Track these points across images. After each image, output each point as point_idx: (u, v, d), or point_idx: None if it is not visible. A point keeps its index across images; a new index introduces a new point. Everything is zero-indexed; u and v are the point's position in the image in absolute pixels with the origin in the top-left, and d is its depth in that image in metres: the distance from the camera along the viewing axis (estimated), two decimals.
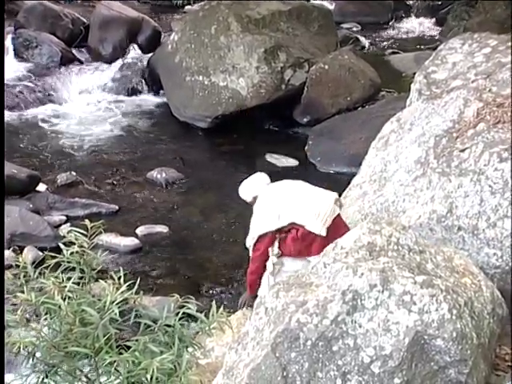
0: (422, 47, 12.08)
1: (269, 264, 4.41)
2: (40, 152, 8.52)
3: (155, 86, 10.22)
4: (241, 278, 5.74)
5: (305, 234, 4.26)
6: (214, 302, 2.89)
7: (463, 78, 5.26)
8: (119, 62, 10.55)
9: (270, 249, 4.37)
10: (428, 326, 3.15)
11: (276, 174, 8.09)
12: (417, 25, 13.90)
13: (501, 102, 4.71)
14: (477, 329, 3.26)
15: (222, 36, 9.21)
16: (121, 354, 2.66)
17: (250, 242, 4.44)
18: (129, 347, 2.69)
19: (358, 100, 9.10)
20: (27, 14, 11.17)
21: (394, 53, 12.11)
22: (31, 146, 8.69)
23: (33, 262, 2.91)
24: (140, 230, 6.89)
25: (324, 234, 4.19)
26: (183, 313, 2.75)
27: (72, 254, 2.80)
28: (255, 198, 4.48)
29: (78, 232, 2.81)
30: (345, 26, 13.30)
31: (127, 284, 2.71)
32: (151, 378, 2.53)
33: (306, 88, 9.04)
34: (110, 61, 10.65)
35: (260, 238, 4.36)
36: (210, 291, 6.01)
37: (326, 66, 9.13)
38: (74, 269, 2.81)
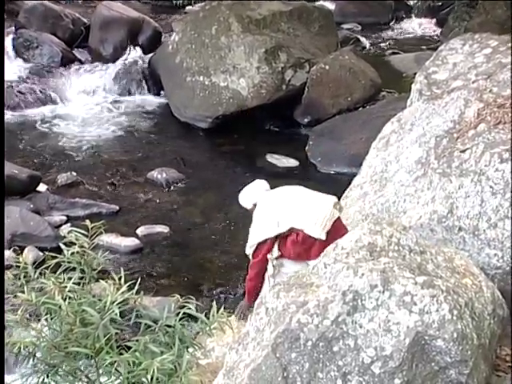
0: (423, 48, 12.08)
1: (269, 266, 4.42)
2: (40, 152, 8.52)
3: (156, 87, 10.23)
4: (241, 278, 5.74)
5: (304, 238, 4.26)
6: (214, 302, 2.89)
7: (464, 78, 5.26)
8: (120, 63, 10.55)
9: (269, 255, 4.38)
10: (428, 327, 3.15)
11: (276, 175, 8.17)
12: (417, 25, 13.89)
13: (501, 103, 4.70)
14: (477, 329, 3.26)
15: (222, 36, 9.22)
16: (121, 354, 2.66)
17: (249, 250, 4.45)
18: (129, 347, 2.69)
19: (359, 100, 9.10)
20: (28, 14, 11.18)
21: (394, 53, 12.11)
22: (32, 146, 8.69)
23: (33, 263, 2.91)
24: (140, 231, 6.89)
25: (323, 237, 4.19)
26: (184, 313, 2.75)
27: (72, 254, 2.80)
28: (255, 205, 4.48)
29: (79, 232, 2.82)
30: (345, 26, 13.30)
31: (128, 284, 2.71)
32: (152, 379, 2.53)
33: (306, 88, 9.05)
34: (110, 61, 10.65)
35: (259, 245, 4.38)
36: (211, 291, 6.01)
37: (327, 67, 9.13)
38: (74, 269, 2.82)
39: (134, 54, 10.79)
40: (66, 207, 7.17)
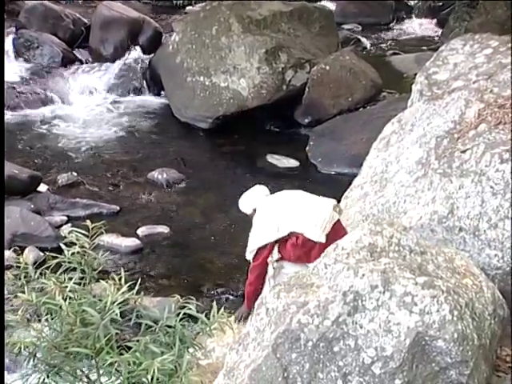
0: (423, 48, 12.08)
1: (269, 268, 4.44)
2: (41, 152, 8.52)
3: (156, 87, 10.23)
4: (241, 278, 5.74)
5: (304, 241, 4.27)
6: (214, 302, 2.89)
7: (464, 78, 5.25)
8: (120, 63, 10.55)
9: (269, 258, 4.39)
10: (429, 327, 3.15)
11: (277, 175, 8.17)
12: (418, 26, 13.90)
13: (502, 103, 4.70)
14: (478, 330, 3.26)
15: (223, 37, 9.22)
16: (121, 354, 2.66)
17: (249, 255, 4.46)
18: (129, 348, 2.69)
19: (359, 101, 9.10)
20: (28, 14, 11.18)
21: (395, 54, 12.11)
22: (32, 146, 8.69)
23: (34, 263, 2.91)
24: (141, 231, 6.89)
25: (323, 240, 4.20)
26: (184, 313, 2.75)
27: (73, 254, 2.80)
28: (255, 210, 4.49)
29: (79, 232, 2.82)
30: (346, 26, 13.30)
31: (128, 284, 2.71)
32: (152, 379, 2.53)
33: (307, 89, 9.05)
34: (111, 61, 10.65)
35: (259, 249, 4.39)
36: (211, 292, 6.01)
37: (327, 67, 9.13)
38: (75, 269, 2.82)
39: (135, 54, 10.79)
40: (67, 207, 7.17)
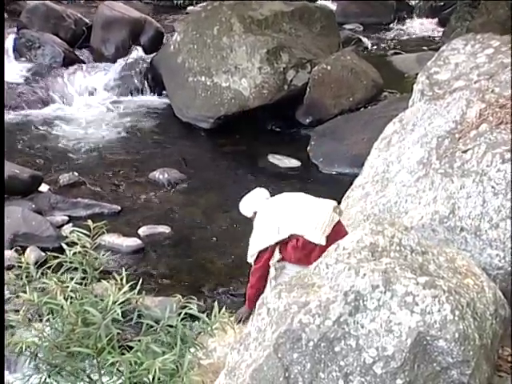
0: (425, 48, 12.08)
1: (271, 269, 4.45)
2: (42, 152, 8.53)
3: (158, 87, 10.23)
4: (243, 278, 5.74)
5: (304, 243, 4.28)
6: (216, 302, 2.89)
7: (466, 78, 5.25)
8: (122, 63, 10.55)
9: (271, 261, 4.41)
10: (430, 327, 3.15)
11: (278, 175, 8.17)
12: (419, 25, 13.89)
13: (503, 103, 4.70)
14: (479, 330, 3.26)
15: (224, 37, 9.22)
16: (123, 354, 2.66)
17: (250, 259, 4.47)
18: (131, 347, 2.70)
19: (361, 101, 9.10)
20: (30, 14, 11.18)
21: (396, 53, 12.11)
22: (33, 146, 8.70)
23: (35, 263, 2.91)
24: (142, 231, 6.89)
25: (323, 243, 4.20)
26: (185, 313, 2.75)
27: (74, 254, 2.80)
28: (256, 214, 4.49)
29: (81, 232, 2.82)
30: (347, 26, 13.30)
31: (129, 284, 2.71)
32: (153, 379, 2.53)
33: (308, 89, 9.05)
34: (112, 61, 10.66)
35: (260, 252, 4.40)
36: (212, 292, 6.01)
37: (329, 67, 9.13)
38: (76, 269, 2.82)
39: (136, 54, 10.79)
40: (68, 207, 7.17)
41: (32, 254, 6.10)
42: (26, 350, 2.69)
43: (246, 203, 4.60)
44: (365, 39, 12.66)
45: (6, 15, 11.46)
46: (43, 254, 6.07)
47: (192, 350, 2.76)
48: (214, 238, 6.87)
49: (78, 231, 2.83)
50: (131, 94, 10.24)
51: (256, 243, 4.42)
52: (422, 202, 4.58)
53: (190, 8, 13.64)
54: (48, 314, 2.76)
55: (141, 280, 2.81)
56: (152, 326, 2.75)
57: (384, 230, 3.53)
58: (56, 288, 2.70)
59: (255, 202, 4.55)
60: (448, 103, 4.98)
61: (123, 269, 2.91)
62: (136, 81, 10.34)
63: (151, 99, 10.20)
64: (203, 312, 2.81)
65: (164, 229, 6.96)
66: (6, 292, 3.09)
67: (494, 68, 5.20)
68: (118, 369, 2.68)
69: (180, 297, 2.84)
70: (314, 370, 3.18)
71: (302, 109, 9.12)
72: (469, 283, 3.43)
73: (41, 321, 2.80)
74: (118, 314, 2.62)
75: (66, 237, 2.88)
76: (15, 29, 11.06)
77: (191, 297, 2.80)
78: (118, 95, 10.19)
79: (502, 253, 4.21)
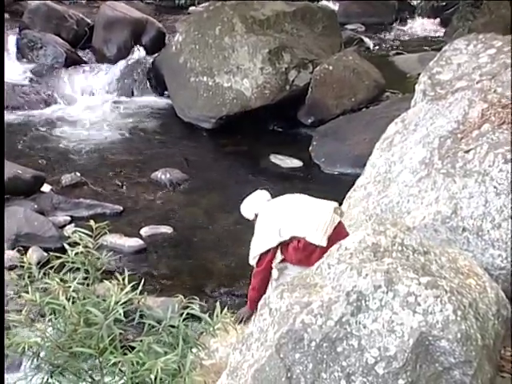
0: (427, 48, 12.06)
1: (273, 271, 4.45)
2: (44, 152, 8.53)
3: (159, 87, 10.24)
4: (244, 278, 5.74)
5: (306, 245, 4.29)
6: (218, 302, 2.89)
7: (468, 78, 5.25)
8: (123, 63, 10.55)
9: (273, 264, 4.41)
10: (432, 327, 3.15)
11: (280, 175, 8.17)
12: (421, 26, 13.88)
13: (506, 103, 4.70)
14: (481, 330, 3.26)
15: (226, 37, 9.22)
16: (125, 354, 2.66)
17: (252, 261, 4.47)
18: (133, 348, 2.70)
19: (363, 101, 9.10)
20: (32, 14, 11.19)
21: (398, 53, 12.10)
22: (35, 146, 8.71)
23: (37, 263, 2.91)
24: (144, 231, 6.90)
25: (324, 244, 4.21)
26: (187, 313, 2.75)
27: (77, 254, 2.80)
28: (257, 216, 4.50)
29: (83, 232, 2.82)
30: (349, 26, 13.29)
31: (131, 284, 2.72)
32: (155, 379, 2.53)
33: (310, 89, 9.05)
34: (114, 62, 10.66)
35: (262, 255, 4.40)
36: (215, 292, 6.01)
37: (331, 67, 9.12)
38: (78, 269, 2.82)
39: (138, 54, 10.79)
40: (70, 207, 7.18)
41: (34, 254, 6.10)
42: (28, 350, 2.69)
43: (247, 205, 4.60)
44: (367, 39, 12.65)
45: (8, 16, 11.48)
46: (45, 254, 6.08)
47: (194, 350, 2.76)
48: (216, 239, 6.86)
49: (80, 231, 2.83)
50: (133, 95, 10.25)
51: (257, 245, 4.43)
52: (424, 202, 4.58)
53: (191, 8, 13.65)
54: (50, 314, 2.76)
55: (143, 280, 2.82)
56: (154, 327, 2.75)
57: (386, 230, 3.53)
58: (58, 288, 2.70)
59: (256, 204, 4.55)
60: (450, 103, 4.98)
61: (125, 269, 2.91)
62: (138, 81, 10.34)
63: (153, 99, 10.20)
64: (205, 312, 2.81)
65: (166, 229, 6.96)
66: (9, 292, 3.09)
67: (497, 68, 5.20)
68: (120, 369, 2.68)
69: (182, 297, 2.84)
70: (316, 370, 3.18)
71: (303, 109, 9.12)
72: (471, 283, 3.43)
73: (43, 321, 2.80)
74: (120, 315, 2.62)
75: (69, 237, 2.88)
76: (17, 29, 11.07)
77: (193, 297, 2.81)
78: (120, 95, 10.20)
79: (505, 253, 4.20)
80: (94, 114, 9.70)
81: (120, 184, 7.86)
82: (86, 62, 10.76)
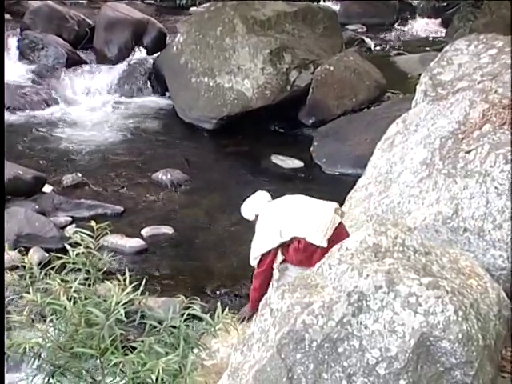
0: (428, 48, 12.07)
1: (274, 272, 4.46)
2: (45, 153, 8.54)
3: (160, 88, 10.24)
4: (246, 279, 5.74)
5: (306, 246, 4.29)
6: (219, 303, 2.89)
7: (469, 79, 5.25)
8: (124, 64, 10.56)
9: (274, 265, 4.42)
10: (434, 328, 3.15)
11: (281, 176, 8.17)
12: (422, 26, 13.87)
13: (507, 104, 4.70)
14: (483, 330, 3.25)
15: (227, 37, 9.22)
16: (126, 354, 2.66)
17: (253, 262, 4.48)
18: (134, 348, 2.70)
19: (364, 101, 9.10)
20: (33, 15, 11.20)
21: (399, 54, 12.10)
22: (37, 147, 8.71)
23: (39, 263, 2.92)
24: (145, 231, 6.90)
25: (325, 245, 4.21)
26: (188, 314, 2.75)
27: (78, 254, 2.81)
28: (257, 217, 4.50)
29: (84, 233, 2.82)
30: (350, 27, 13.29)
31: (133, 285, 2.72)
32: (156, 379, 2.53)
33: (311, 89, 9.05)
34: (115, 62, 10.67)
35: (263, 255, 4.40)
36: (216, 292, 6.01)
37: (332, 68, 9.12)
38: (79, 270, 2.82)
39: (139, 55, 10.80)
40: (71, 208, 7.18)
41: (35, 255, 6.11)
42: (29, 350, 2.69)
43: (247, 206, 4.61)
44: (368, 40, 12.65)
45: (9, 16, 11.49)
46: (46, 254, 6.08)
47: (195, 350, 2.76)
48: (217, 239, 6.87)
49: (81, 232, 2.83)
50: (134, 95, 10.25)
51: (258, 246, 4.43)
52: (425, 202, 4.58)
53: (192, 9, 13.65)
54: (51, 315, 2.76)
55: (144, 281, 2.81)
56: (155, 327, 2.75)
57: (387, 230, 3.53)
58: (59, 289, 2.70)
59: (257, 205, 4.56)
60: (451, 104, 4.98)
61: (126, 269, 2.91)
62: (139, 82, 10.35)
63: (154, 100, 10.21)
64: (206, 313, 2.81)
65: (167, 229, 6.97)
66: (10, 293, 3.09)
67: (498, 68, 5.19)
68: (121, 369, 2.68)
69: (183, 297, 2.84)
70: (317, 370, 3.18)
71: (304, 109, 9.12)
72: (472, 284, 3.43)
73: (44, 321, 2.80)
74: (121, 315, 2.62)
75: (70, 237, 2.89)
76: (18, 30, 11.08)
77: (194, 297, 2.81)
78: (121, 96, 10.20)
79: (506, 253, 4.20)
80: (94, 115, 9.70)
81: (121, 184, 7.86)
82: (86, 63, 10.77)
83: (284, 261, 4.47)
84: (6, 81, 9.55)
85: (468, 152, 4.52)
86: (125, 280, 2.73)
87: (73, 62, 10.61)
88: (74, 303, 2.70)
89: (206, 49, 9.34)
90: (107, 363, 2.67)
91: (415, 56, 11.52)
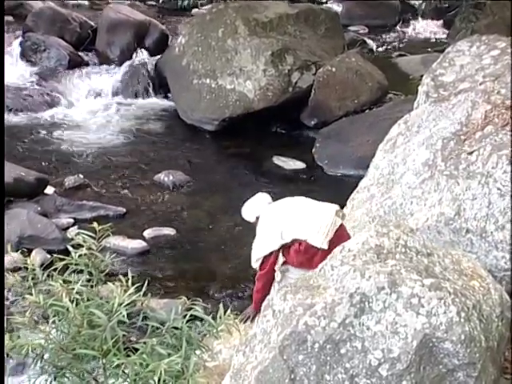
0: (430, 50, 12.06)
1: (276, 273, 4.46)
2: (48, 155, 8.54)
3: (162, 89, 10.25)
4: (248, 280, 5.74)
5: (307, 248, 4.29)
6: (221, 304, 2.89)
7: (471, 80, 5.25)
8: (126, 65, 10.56)
9: (276, 267, 4.42)
10: (436, 329, 3.14)
11: (283, 177, 8.17)
12: (424, 27, 13.87)
13: (509, 105, 4.69)
14: (485, 332, 3.25)
15: (229, 39, 9.23)
16: (128, 356, 2.66)
17: (255, 264, 4.48)
18: (136, 349, 2.70)
19: (366, 103, 9.10)
20: (36, 17, 11.22)
21: (401, 55, 12.10)
22: (39, 148, 8.72)
23: (41, 265, 2.92)
24: (147, 233, 6.90)
25: (326, 247, 4.21)
26: (191, 315, 2.75)
27: (80, 256, 2.81)
28: (258, 218, 4.50)
29: (86, 234, 2.82)
30: (352, 28, 13.29)
31: (135, 286, 2.72)
32: (159, 381, 2.53)
33: (313, 91, 9.05)
34: (117, 64, 10.68)
35: (264, 258, 4.41)
36: (218, 293, 6.01)
37: (334, 69, 9.13)
38: (82, 271, 2.82)
39: (141, 56, 10.81)
40: (74, 210, 7.19)
41: (38, 257, 6.11)
42: (31, 352, 2.69)
43: (248, 208, 4.61)
44: (369, 41, 12.65)
45: (12, 19, 11.51)
46: (49, 256, 6.08)
47: (197, 352, 2.76)
48: (220, 240, 6.87)
49: (83, 233, 2.84)
50: (136, 97, 10.25)
51: (260, 248, 4.44)
52: (427, 203, 4.58)
53: (194, 10, 13.66)
54: (54, 316, 2.76)
55: (146, 282, 2.81)
56: (157, 328, 2.75)
57: (389, 231, 3.53)
58: (62, 290, 2.70)
59: (257, 206, 4.56)
60: (453, 105, 4.98)
61: (128, 271, 2.91)
62: (141, 83, 10.35)
63: (156, 102, 10.21)
64: (208, 314, 2.81)
65: (169, 231, 6.97)
66: (13, 294, 3.10)
67: (500, 69, 5.19)
68: (123, 371, 2.68)
69: (185, 299, 2.84)
70: (319, 372, 3.18)
71: (306, 111, 9.12)
72: (474, 285, 3.42)
73: (47, 323, 2.81)
74: (123, 316, 2.62)
75: (72, 239, 2.89)
76: (21, 32, 11.10)
77: (196, 299, 2.81)
78: (123, 98, 10.21)
79: (508, 255, 4.20)
80: (96, 116, 9.71)
81: (123, 186, 7.87)
82: (89, 65, 10.78)
83: (285, 262, 4.47)
84: (8, 82, 9.57)
85: (470, 153, 4.52)
86: (127, 281, 2.73)
87: (75, 64, 10.62)
88: (77, 305, 2.70)
89: (208, 50, 9.35)
90: (109, 364, 2.67)
91: (417, 57, 11.51)
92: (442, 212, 4.42)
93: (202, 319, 2.77)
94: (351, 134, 8.46)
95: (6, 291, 4.68)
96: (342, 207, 4.68)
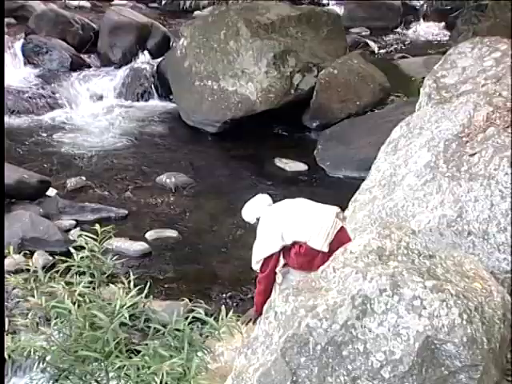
0: (432, 51, 12.05)
1: (277, 276, 4.46)
2: (50, 157, 8.55)
3: (164, 91, 10.25)
4: (250, 282, 5.74)
5: (307, 250, 4.29)
6: (223, 306, 2.90)
7: (473, 82, 5.24)
8: (128, 67, 10.57)
9: (277, 269, 4.42)
10: (438, 331, 3.14)
11: (285, 179, 8.17)
12: (426, 29, 13.87)
13: (511, 107, 4.69)
14: (487, 334, 3.25)
15: (231, 41, 9.23)
16: (130, 358, 2.67)
17: (255, 266, 4.48)
18: (138, 351, 2.70)
19: (367, 104, 9.10)
20: (38, 20, 11.23)
21: (403, 57, 12.09)
22: (41, 150, 8.72)
23: (43, 267, 2.93)
24: (149, 235, 6.90)
25: (326, 249, 4.21)
26: (193, 317, 2.75)
27: (82, 258, 2.81)
28: (258, 220, 4.50)
29: (88, 236, 2.83)
30: (354, 30, 13.28)
31: (137, 288, 2.72)
32: (161, 382, 2.53)
33: (315, 93, 9.05)
34: (119, 66, 10.68)
35: (265, 260, 4.40)
36: (220, 295, 6.01)
37: (335, 71, 9.13)
38: (84, 273, 2.83)
39: (143, 58, 10.81)
40: (76, 212, 7.19)
41: (40, 259, 6.11)
42: (34, 353, 2.70)
43: (248, 210, 4.61)
44: (371, 43, 12.64)
45: (14, 21, 11.52)
46: (51, 258, 6.08)
47: (199, 353, 2.76)
48: (221, 242, 6.87)
49: (85, 235, 2.84)
50: (138, 99, 10.26)
51: (260, 250, 4.44)
52: (429, 205, 4.57)
53: (196, 12, 13.65)
54: (56, 318, 2.76)
55: (148, 284, 2.82)
56: (159, 330, 2.75)
57: (391, 233, 3.53)
58: (64, 292, 2.71)
59: (258, 208, 4.56)
60: (455, 107, 4.98)
61: (130, 273, 2.91)
62: (143, 85, 10.36)
63: (158, 103, 10.22)
64: (210, 316, 2.81)
65: (171, 233, 6.97)
66: (15, 296, 3.10)
67: (502, 71, 5.19)
68: (125, 373, 2.68)
69: (187, 301, 2.85)
70: (321, 374, 3.17)
71: (308, 113, 9.12)
72: (477, 287, 3.42)
73: (49, 325, 2.81)
74: (125, 318, 2.63)
75: (74, 241, 2.89)
76: (23, 34, 11.11)
77: (198, 301, 2.81)
78: (125, 100, 10.21)
79: (510, 257, 4.19)
80: (98, 118, 9.71)
81: (125, 188, 7.87)
82: (91, 67, 10.78)
83: (285, 265, 4.47)
84: (9, 84, 9.58)
85: (472, 155, 4.52)
86: (129, 283, 2.73)
87: (77, 66, 10.63)
88: (79, 306, 2.71)
89: (210, 52, 9.35)
90: (111, 366, 2.67)
91: (419, 59, 11.50)
92: (444, 214, 4.41)
93: (203, 321, 2.77)
94: (353, 135, 8.46)
95: (7, 293, 4.67)
96: (343, 209, 4.69)
